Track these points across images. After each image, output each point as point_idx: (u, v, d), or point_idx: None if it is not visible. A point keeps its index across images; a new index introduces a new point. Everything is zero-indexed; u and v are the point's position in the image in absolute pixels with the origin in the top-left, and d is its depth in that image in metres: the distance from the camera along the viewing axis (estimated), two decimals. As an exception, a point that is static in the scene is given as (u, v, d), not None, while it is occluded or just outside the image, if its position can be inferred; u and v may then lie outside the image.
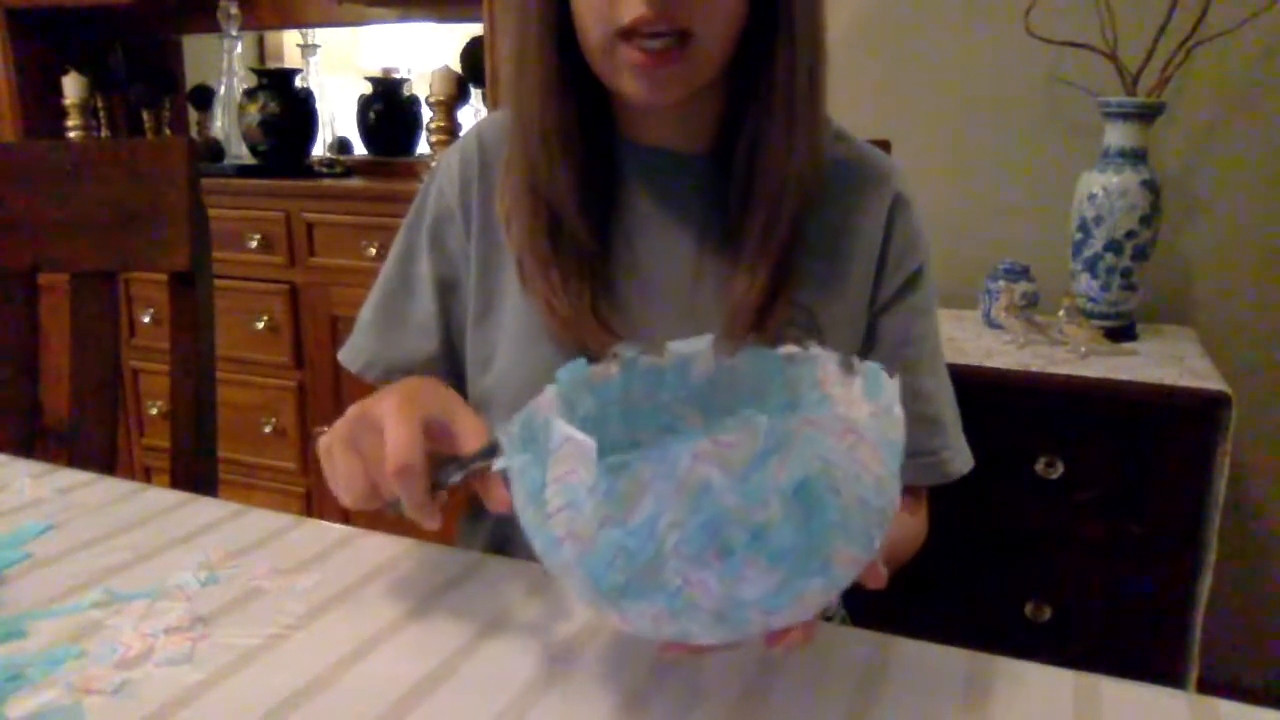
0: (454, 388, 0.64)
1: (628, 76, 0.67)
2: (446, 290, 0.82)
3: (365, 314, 0.85)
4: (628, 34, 0.65)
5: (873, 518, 0.44)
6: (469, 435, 0.57)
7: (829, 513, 0.42)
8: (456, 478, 0.55)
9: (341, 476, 0.57)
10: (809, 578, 0.43)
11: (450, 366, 0.82)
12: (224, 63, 2.44)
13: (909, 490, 0.80)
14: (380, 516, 0.60)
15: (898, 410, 0.46)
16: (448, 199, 0.81)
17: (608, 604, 0.45)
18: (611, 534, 0.42)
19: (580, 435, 0.42)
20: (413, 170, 2.25)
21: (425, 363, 0.81)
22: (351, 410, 0.58)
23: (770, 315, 0.72)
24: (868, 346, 0.78)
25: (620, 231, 0.77)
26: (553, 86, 0.72)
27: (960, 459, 0.80)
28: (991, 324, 1.64)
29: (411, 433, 0.53)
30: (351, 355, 0.84)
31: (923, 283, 0.79)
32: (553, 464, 0.43)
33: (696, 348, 0.60)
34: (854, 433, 0.42)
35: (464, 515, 0.88)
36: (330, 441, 0.58)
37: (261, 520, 0.73)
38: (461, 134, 0.88)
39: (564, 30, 0.69)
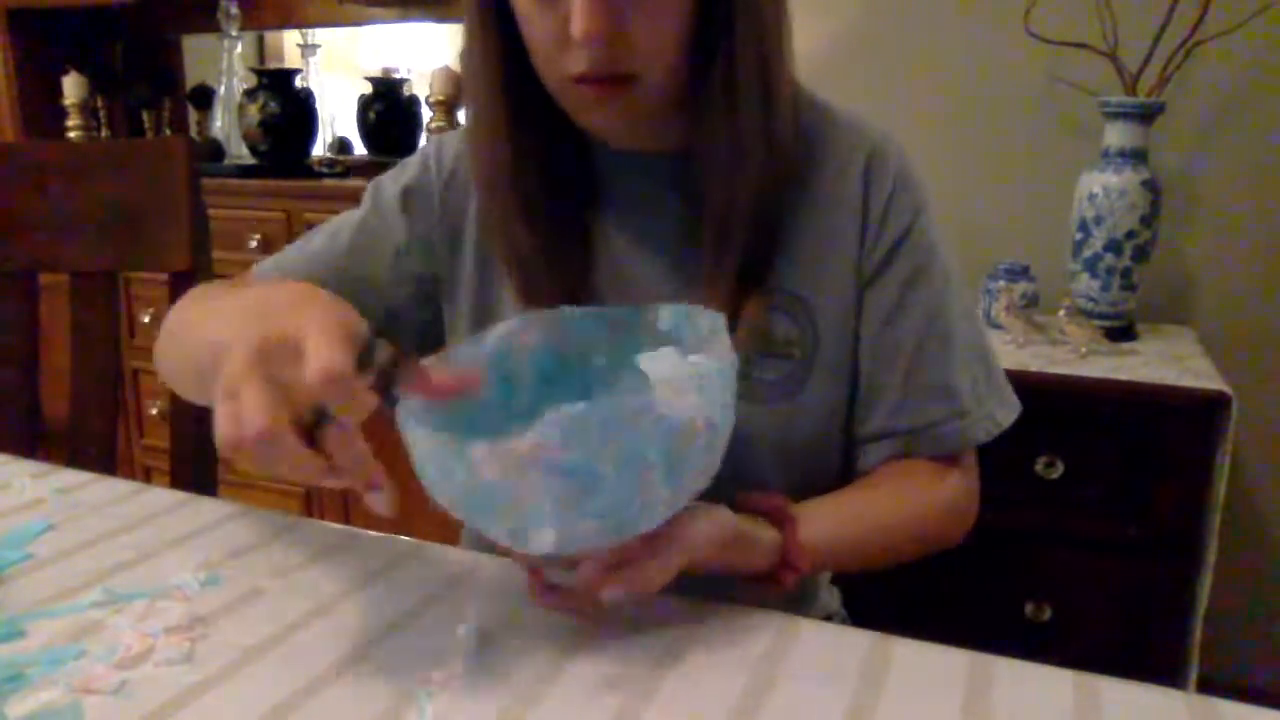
0: None
1: (583, 112, 0.70)
2: (402, 261, 0.80)
3: (316, 244, 0.81)
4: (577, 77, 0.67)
5: None
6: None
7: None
8: (383, 362, 0.50)
9: (253, 410, 0.46)
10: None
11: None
12: (224, 63, 2.44)
13: (931, 460, 0.75)
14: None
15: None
16: (430, 176, 0.81)
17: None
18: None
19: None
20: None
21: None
22: (242, 341, 0.48)
23: (748, 305, 0.71)
24: (861, 317, 0.75)
25: (603, 237, 0.77)
26: (505, 126, 0.73)
27: (979, 427, 0.74)
28: (991, 324, 1.64)
29: (342, 349, 0.47)
30: (284, 277, 0.78)
31: (915, 238, 0.75)
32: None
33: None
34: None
35: None
36: (232, 386, 0.47)
37: (261, 520, 0.73)
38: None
39: (518, 61, 0.70)
